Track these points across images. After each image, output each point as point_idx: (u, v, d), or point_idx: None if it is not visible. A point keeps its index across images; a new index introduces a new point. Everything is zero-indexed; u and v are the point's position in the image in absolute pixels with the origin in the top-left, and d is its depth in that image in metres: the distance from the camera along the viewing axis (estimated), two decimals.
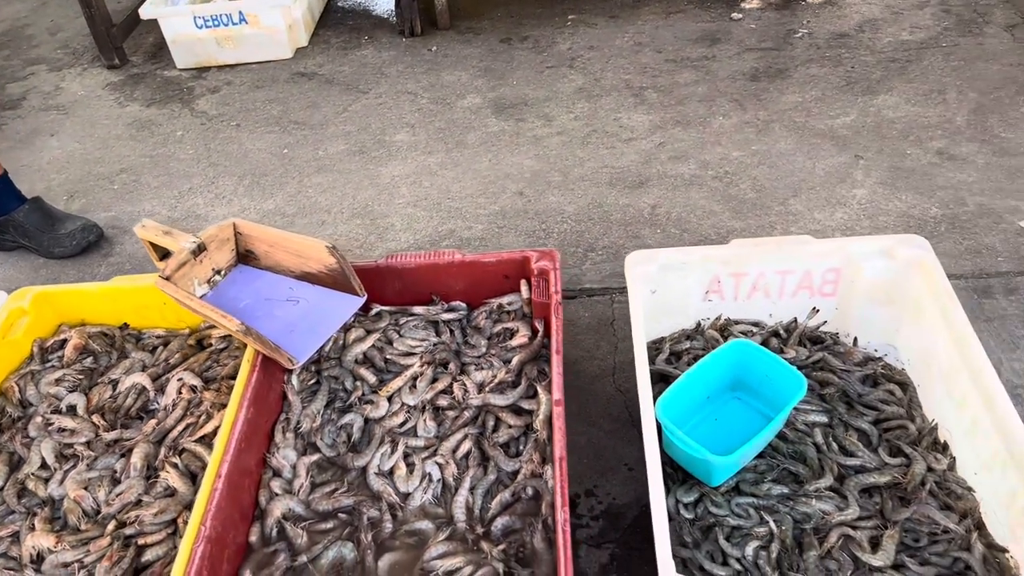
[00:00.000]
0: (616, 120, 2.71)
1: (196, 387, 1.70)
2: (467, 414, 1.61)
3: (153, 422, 1.65)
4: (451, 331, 1.79)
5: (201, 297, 1.70)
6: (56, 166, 2.80)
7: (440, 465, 1.52)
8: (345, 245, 2.28)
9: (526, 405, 1.61)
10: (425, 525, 1.45)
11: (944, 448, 1.51)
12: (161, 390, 1.73)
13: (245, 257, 1.79)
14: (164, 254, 1.76)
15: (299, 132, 2.83)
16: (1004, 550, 1.33)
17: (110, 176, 2.71)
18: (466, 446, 1.55)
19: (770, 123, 2.59)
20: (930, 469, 1.46)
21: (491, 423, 1.60)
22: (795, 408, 1.56)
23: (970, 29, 2.94)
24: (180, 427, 1.64)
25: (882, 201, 2.20)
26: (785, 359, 1.65)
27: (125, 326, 1.89)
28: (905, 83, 2.69)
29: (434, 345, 1.74)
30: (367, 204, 2.44)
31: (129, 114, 3.05)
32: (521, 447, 1.56)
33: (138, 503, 1.52)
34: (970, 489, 1.43)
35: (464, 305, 1.83)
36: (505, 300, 1.81)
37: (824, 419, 1.56)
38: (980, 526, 1.38)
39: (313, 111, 2.95)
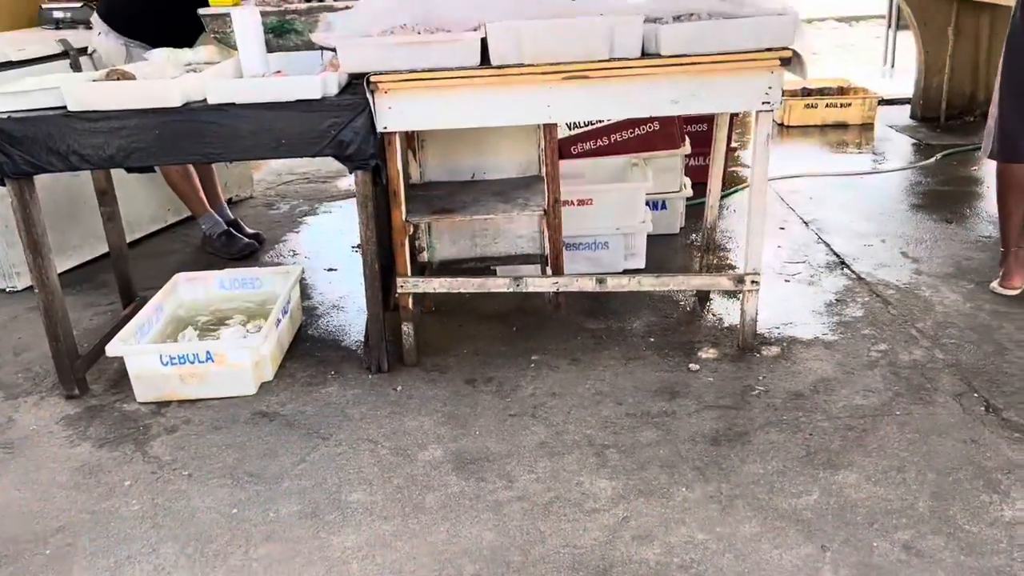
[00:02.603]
0: (578, 485, 2.67)
1: None
2: None
3: None
4: None
5: None
6: None
7: None
8: None
9: None
10: None
11: None
12: None
13: None
14: None
15: (252, 487, 2.74)
16: None
17: (44, 536, 2.56)
18: None
19: (734, 499, 2.56)
20: None
21: None
22: None
23: (920, 396, 3.04)
24: None
25: None
26: None
27: None
28: (864, 456, 2.71)
29: None
30: None
31: (78, 456, 2.96)
32: None
33: None
34: None
35: None
36: None
37: None
38: None
39: (270, 460, 2.88)
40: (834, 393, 3.10)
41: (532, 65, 3.00)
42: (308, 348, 3.71)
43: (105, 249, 4.83)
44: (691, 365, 3.36)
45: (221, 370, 3.25)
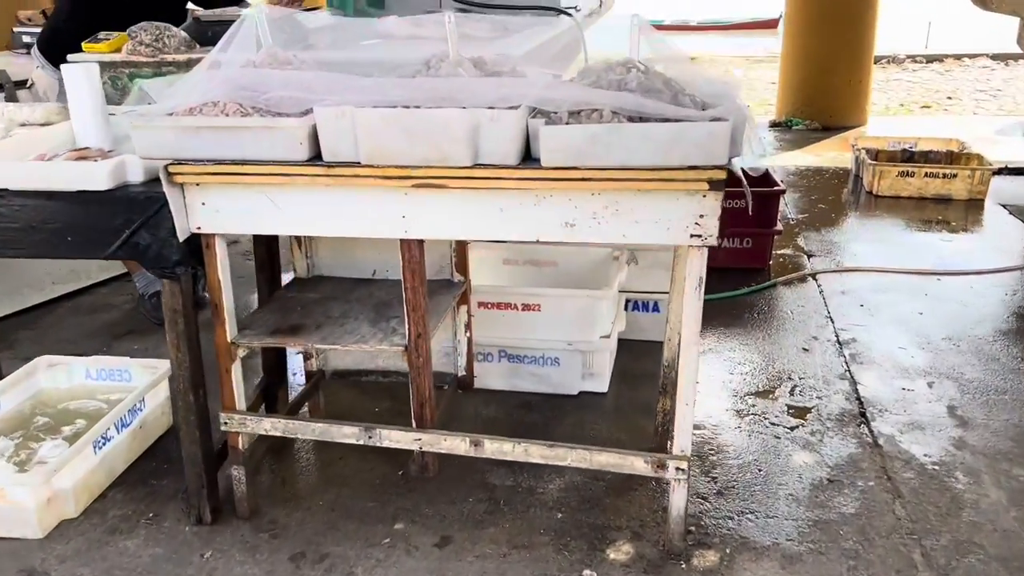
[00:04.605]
0: None
1: None
2: None
3: None
4: None
5: None
6: None
7: None
8: None
9: None
10: None
11: None
12: None
13: None
14: None
15: None
16: None
17: None
18: None
19: None
20: None
21: None
22: None
23: None
24: None
25: None
26: None
27: None
28: None
29: None
30: None
31: None
32: None
33: None
34: None
35: None
36: None
37: None
38: None
39: None
40: None
41: (370, 167, 2.22)
42: (152, 469, 3.06)
43: (35, 300, 4.45)
44: (586, 571, 2.48)
45: (2, 505, 2.65)
